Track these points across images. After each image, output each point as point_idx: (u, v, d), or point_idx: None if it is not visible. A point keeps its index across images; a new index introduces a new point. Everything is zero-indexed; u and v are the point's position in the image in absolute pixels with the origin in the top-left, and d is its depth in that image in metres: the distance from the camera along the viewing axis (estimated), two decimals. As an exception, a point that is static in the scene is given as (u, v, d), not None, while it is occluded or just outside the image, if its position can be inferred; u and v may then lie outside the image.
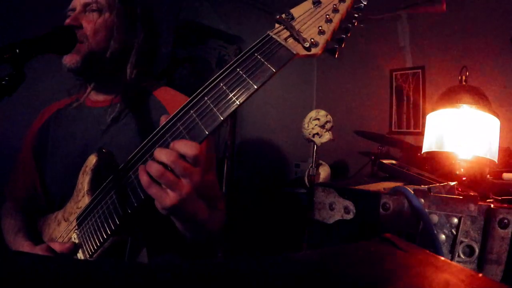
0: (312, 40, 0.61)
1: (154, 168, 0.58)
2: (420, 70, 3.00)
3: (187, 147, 0.57)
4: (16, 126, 1.60)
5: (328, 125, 2.03)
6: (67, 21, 0.87)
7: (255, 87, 0.58)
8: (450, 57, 2.75)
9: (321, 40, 0.62)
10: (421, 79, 3.00)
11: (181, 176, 0.59)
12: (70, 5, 0.91)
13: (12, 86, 0.56)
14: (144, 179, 0.59)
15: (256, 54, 0.61)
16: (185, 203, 0.62)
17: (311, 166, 2.01)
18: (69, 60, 0.87)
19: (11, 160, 1.11)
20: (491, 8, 2.55)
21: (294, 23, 0.64)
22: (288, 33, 0.63)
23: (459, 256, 0.59)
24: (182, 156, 0.58)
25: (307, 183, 2.19)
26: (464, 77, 1.12)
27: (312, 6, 0.65)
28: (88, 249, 0.74)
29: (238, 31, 3.07)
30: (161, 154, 0.58)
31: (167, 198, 0.60)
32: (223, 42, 3.08)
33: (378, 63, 3.26)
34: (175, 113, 0.62)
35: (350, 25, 0.66)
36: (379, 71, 3.26)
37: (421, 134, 2.72)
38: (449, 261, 0.35)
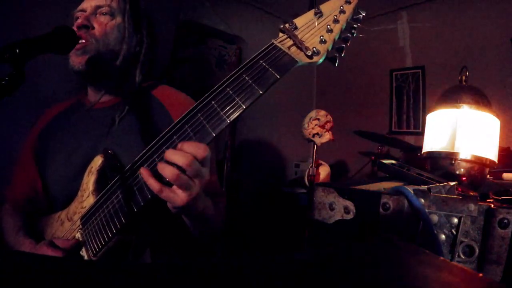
0: (314, 48, 0.65)
1: (169, 171, 0.59)
2: (420, 70, 3.01)
3: (197, 149, 0.59)
4: (16, 126, 1.60)
5: (328, 125, 2.03)
6: (79, 21, 0.88)
7: (260, 92, 0.61)
8: (450, 57, 2.75)
9: (323, 48, 0.66)
10: (421, 79, 3.00)
11: (193, 177, 0.61)
12: (80, 6, 0.92)
13: (12, 86, 0.56)
14: (154, 185, 0.60)
15: (261, 61, 0.64)
16: (195, 201, 0.64)
17: (311, 166, 2.01)
18: (77, 61, 0.87)
19: (10, 160, 1.10)
20: (491, 8, 2.55)
21: (297, 32, 0.67)
22: (291, 42, 0.67)
23: (459, 256, 0.59)
24: (195, 159, 0.60)
25: (307, 183, 2.19)
26: (464, 77, 1.12)
27: (314, 17, 0.68)
28: (92, 248, 0.74)
29: (238, 31, 3.07)
30: (176, 157, 0.59)
31: (178, 198, 0.61)
32: (223, 42, 3.08)
33: (378, 63, 3.26)
34: (182, 116, 0.64)
35: (350, 35, 0.70)
36: (379, 71, 3.26)
37: (421, 134, 2.72)
38: (449, 261, 0.35)
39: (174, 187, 0.61)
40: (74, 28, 0.88)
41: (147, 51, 0.97)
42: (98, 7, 0.90)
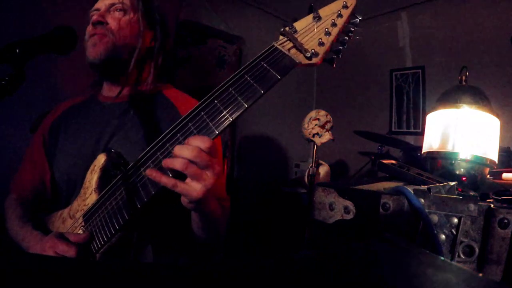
0: (313, 50, 0.67)
1: (178, 162, 0.60)
2: (420, 70, 3.00)
3: (200, 141, 0.61)
4: (16, 126, 1.60)
5: (328, 125, 2.03)
6: (94, 17, 0.92)
7: (262, 92, 0.63)
8: (450, 57, 2.75)
9: (321, 50, 0.69)
10: (421, 79, 3.00)
11: (204, 168, 0.62)
12: (95, 6, 0.97)
13: (12, 86, 0.56)
14: (168, 181, 0.61)
15: (262, 63, 0.66)
16: (209, 196, 0.65)
17: (311, 166, 2.00)
18: (93, 52, 0.90)
19: (10, 159, 1.10)
20: (491, 8, 2.55)
21: (296, 35, 0.70)
22: (291, 44, 0.69)
23: (459, 256, 0.59)
24: (201, 150, 0.61)
25: (307, 183, 2.19)
26: (464, 77, 1.12)
27: (313, 21, 0.71)
28: (95, 244, 0.75)
29: (238, 31, 3.07)
30: (183, 151, 0.60)
31: (194, 191, 0.62)
32: (223, 42, 3.08)
33: (378, 63, 3.26)
34: (186, 114, 0.65)
35: (347, 38, 0.73)
36: (379, 71, 3.26)
37: (421, 134, 2.73)
38: (449, 261, 0.35)
39: (188, 180, 0.62)
40: (90, 25, 0.93)
41: (160, 47, 1.01)
42: (111, 5, 0.95)
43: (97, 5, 0.97)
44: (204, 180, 0.62)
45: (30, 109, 1.37)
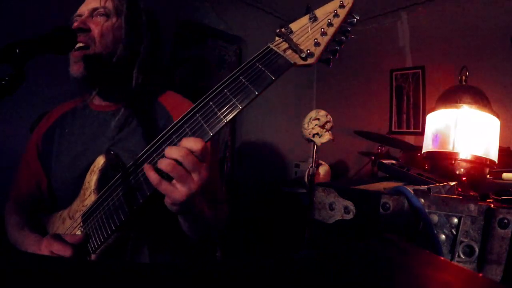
0: (308, 51, 0.67)
1: (165, 162, 0.61)
2: (420, 70, 3.00)
3: (193, 143, 0.61)
4: (16, 126, 1.60)
5: (328, 125, 2.02)
6: (75, 24, 0.88)
7: (256, 93, 0.63)
8: (450, 57, 2.75)
9: (317, 51, 0.69)
10: (421, 79, 3.00)
11: (190, 171, 0.62)
12: (77, 11, 0.92)
13: (12, 86, 0.56)
14: (153, 176, 0.62)
15: (257, 64, 0.66)
16: (194, 199, 0.65)
17: (311, 166, 2.00)
18: (75, 68, 0.86)
19: (10, 159, 1.10)
20: (491, 8, 2.55)
21: (292, 36, 0.70)
22: (287, 45, 0.69)
23: (459, 256, 0.59)
24: (190, 152, 0.62)
25: (307, 183, 2.19)
26: (464, 77, 1.12)
27: (309, 21, 0.71)
28: (92, 244, 0.76)
29: (238, 31, 3.07)
30: (172, 151, 0.61)
31: (177, 192, 0.62)
32: (223, 42, 3.08)
33: (378, 63, 3.26)
34: (182, 116, 0.66)
35: (344, 38, 0.73)
36: (379, 71, 3.26)
37: (421, 134, 2.73)
38: (449, 261, 0.35)
39: (174, 181, 0.62)
40: None
41: (147, 51, 0.96)
42: (94, 9, 0.90)
43: (79, 11, 0.92)
44: (189, 183, 0.62)
45: (30, 109, 1.37)
